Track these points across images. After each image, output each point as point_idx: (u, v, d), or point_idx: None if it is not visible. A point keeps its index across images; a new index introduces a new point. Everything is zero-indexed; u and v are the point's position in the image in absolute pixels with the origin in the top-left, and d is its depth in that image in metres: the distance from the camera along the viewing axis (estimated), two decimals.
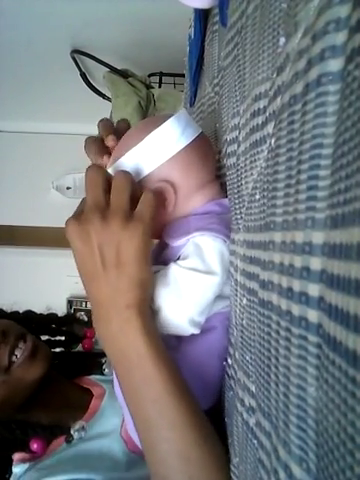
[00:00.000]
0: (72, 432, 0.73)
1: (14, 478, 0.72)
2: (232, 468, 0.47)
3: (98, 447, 0.72)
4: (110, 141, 0.56)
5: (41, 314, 0.98)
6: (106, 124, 0.60)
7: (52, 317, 1.00)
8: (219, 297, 0.51)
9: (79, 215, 0.47)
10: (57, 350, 0.95)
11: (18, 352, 0.75)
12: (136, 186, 0.49)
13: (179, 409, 0.45)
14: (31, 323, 0.90)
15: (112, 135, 0.56)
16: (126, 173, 0.49)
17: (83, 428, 0.74)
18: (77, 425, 0.74)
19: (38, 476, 0.68)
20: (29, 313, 0.95)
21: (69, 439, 0.73)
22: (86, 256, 0.46)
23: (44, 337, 0.94)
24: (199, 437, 0.45)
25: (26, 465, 0.72)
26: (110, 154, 0.56)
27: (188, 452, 0.44)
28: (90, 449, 0.71)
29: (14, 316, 0.90)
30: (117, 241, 0.45)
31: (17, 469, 0.72)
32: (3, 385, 0.74)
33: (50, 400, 0.78)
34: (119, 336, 0.46)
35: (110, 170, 0.52)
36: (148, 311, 0.47)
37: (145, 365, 0.45)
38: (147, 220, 0.46)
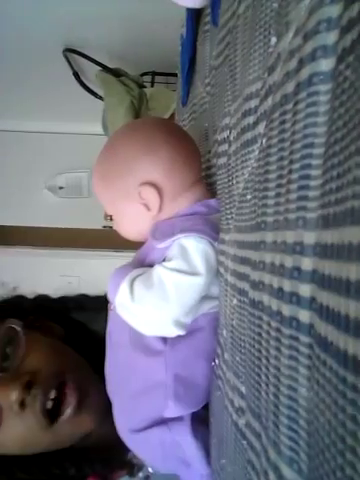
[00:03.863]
0: (135, 468, 0.64)
1: None
2: (217, 469, 0.47)
3: None
4: None
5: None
6: None
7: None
8: (206, 298, 0.51)
9: None
10: None
11: (53, 398, 0.61)
12: None
13: None
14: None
15: None
16: None
17: (146, 469, 0.63)
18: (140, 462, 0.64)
19: None
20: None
21: (132, 473, 0.64)
22: None
23: None
24: None
25: None
26: None
27: None
28: None
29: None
30: None
31: None
32: (49, 442, 0.63)
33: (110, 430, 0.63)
34: None
35: None
36: None
37: None
38: None
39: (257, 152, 0.37)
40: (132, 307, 0.49)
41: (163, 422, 0.53)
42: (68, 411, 0.61)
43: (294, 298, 0.27)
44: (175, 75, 1.14)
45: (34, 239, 2.20)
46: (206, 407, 0.55)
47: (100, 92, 1.72)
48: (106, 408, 0.61)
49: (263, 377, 0.33)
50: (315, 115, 0.26)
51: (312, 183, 0.26)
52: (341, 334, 0.21)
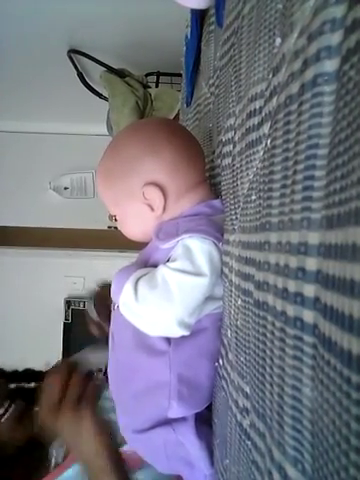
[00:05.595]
0: None
1: None
2: (221, 469, 0.47)
3: None
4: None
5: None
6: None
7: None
8: (210, 298, 0.51)
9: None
10: None
11: (1, 411, 0.77)
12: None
13: None
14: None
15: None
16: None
17: None
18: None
19: None
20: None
21: None
22: None
23: None
24: None
25: None
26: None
27: None
28: None
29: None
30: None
31: None
32: None
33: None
34: None
35: None
36: None
37: None
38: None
39: (262, 153, 0.37)
40: (136, 307, 0.48)
41: (167, 422, 0.53)
42: (9, 414, 0.77)
43: (298, 298, 0.27)
44: (180, 75, 1.14)
45: (39, 240, 2.20)
46: (209, 408, 0.55)
47: (105, 93, 1.72)
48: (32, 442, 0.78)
49: (267, 377, 0.33)
50: (320, 116, 0.26)
51: (316, 184, 0.26)
52: (345, 334, 0.21)
